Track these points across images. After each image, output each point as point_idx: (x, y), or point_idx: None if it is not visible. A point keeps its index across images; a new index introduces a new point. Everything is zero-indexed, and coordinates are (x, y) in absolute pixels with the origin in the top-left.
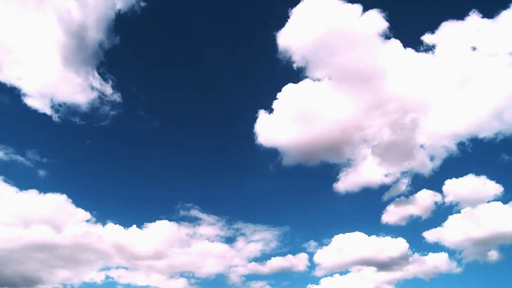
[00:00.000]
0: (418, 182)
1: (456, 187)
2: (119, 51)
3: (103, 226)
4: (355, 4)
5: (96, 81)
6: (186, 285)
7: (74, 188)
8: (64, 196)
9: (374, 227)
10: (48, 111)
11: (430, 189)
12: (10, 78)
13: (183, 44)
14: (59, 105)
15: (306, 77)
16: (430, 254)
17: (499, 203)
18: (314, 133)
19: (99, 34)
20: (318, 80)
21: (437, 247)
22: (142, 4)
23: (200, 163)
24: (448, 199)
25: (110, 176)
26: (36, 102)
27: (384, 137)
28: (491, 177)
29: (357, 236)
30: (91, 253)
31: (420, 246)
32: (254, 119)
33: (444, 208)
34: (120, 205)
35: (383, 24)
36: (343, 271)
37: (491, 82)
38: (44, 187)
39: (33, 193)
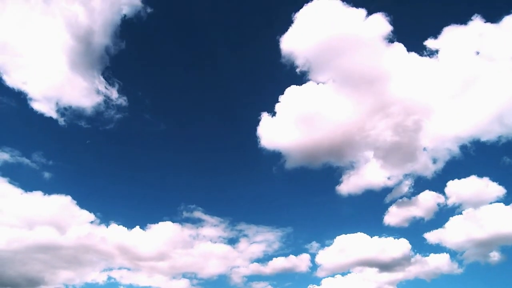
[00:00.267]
0: (421, 184)
1: (459, 189)
2: (125, 55)
3: (107, 227)
4: (359, 8)
5: (101, 85)
6: (188, 286)
7: (79, 190)
8: (69, 198)
9: (376, 228)
10: (54, 114)
11: (433, 191)
12: (17, 82)
13: (187, 49)
14: (65, 108)
15: (309, 80)
16: (432, 255)
17: (501, 204)
18: (317, 136)
19: (105, 39)
20: (322, 83)
21: (439, 248)
22: (148, 9)
23: (203, 165)
24: (450, 201)
25: (114, 178)
26: (42, 106)
27: (387, 139)
28: (493, 178)
29: (359, 237)
30: (94, 254)
31: (422, 247)
32: (257, 122)
33: (446, 210)
34: (124, 206)
35: (387, 28)
36: (345, 272)
37: (493, 86)
38: (49, 189)
39: (38, 194)
